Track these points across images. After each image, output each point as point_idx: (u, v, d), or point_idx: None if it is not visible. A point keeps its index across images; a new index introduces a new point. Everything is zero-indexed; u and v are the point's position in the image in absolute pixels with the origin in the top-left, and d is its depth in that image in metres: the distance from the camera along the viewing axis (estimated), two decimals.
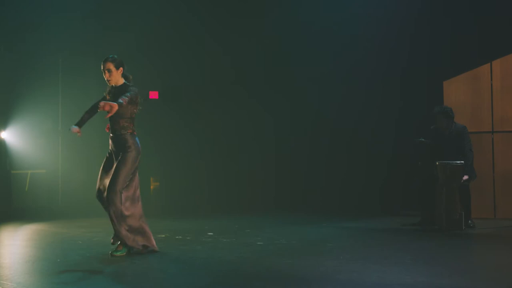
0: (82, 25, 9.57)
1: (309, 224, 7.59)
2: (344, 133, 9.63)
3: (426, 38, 9.00)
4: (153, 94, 10.09)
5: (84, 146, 9.91)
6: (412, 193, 7.96)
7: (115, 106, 4.95)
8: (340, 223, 7.65)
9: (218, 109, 10.26)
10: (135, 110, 5.45)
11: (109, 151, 5.53)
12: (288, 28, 9.78)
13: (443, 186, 6.80)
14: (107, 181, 5.37)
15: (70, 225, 7.61)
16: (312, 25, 9.68)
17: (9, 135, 9.52)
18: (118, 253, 5.34)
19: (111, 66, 5.41)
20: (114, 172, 5.34)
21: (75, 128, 5.49)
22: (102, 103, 4.96)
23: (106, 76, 5.44)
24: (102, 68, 5.46)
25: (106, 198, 5.30)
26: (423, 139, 7.17)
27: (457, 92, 8.04)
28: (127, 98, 5.17)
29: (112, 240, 5.49)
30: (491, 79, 7.89)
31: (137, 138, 5.48)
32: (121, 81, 5.48)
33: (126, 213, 5.32)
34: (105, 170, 5.47)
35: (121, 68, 5.45)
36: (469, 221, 6.98)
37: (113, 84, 5.48)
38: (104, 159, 5.56)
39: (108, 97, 5.48)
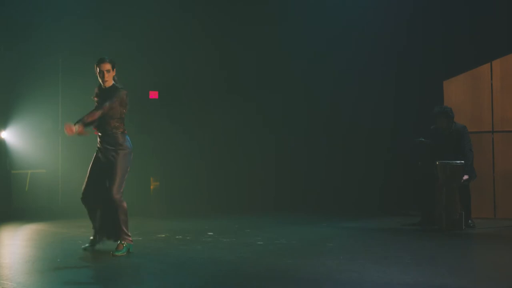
0: (82, 25, 9.55)
1: (309, 224, 7.59)
2: (344, 133, 9.62)
3: (426, 38, 8.99)
4: (153, 94, 10.08)
5: (84, 146, 9.89)
6: (412, 193, 7.95)
7: (73, 128, 5.17)
8: (340, 223, 7.65)
9: (218, 109, 10.25)
10: (124, 111, 5.54)
11: (98, 151, 5.57)
12: (288, 28, 9.77)
13: (443, 186, 6.80)
14: (98, 186, 5.45)
15: (70, 225, 7.61)
16: (312, 25, 9.68)
17: (9, 135, 9.51)
18: (119, 253, 5.34)
19: (109, 67, 5.48)
20: (112, 174, 5.38)
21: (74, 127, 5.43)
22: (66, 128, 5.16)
23: (105, 77, 5.48)
24: (99, 69, 5.48)
25: (113, 202, 5.36)
26: (423, 139, 7.17)
27: (457, 92, 8.04)
28: (112, 103, 5.35)
29: (92, 238, 5.63)
30: (491, 79, 7.89)
31: (127, 137, 5.54)
32: (111, 82, 5.53)
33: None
34: (95, 173, 5.51)
35: (115, 69, 5.53)
36: (469, 221, 6.98)
37: (105, 86, 5.52)
38: (93, 161, 5.58)
39: (96, 100, 5.55)
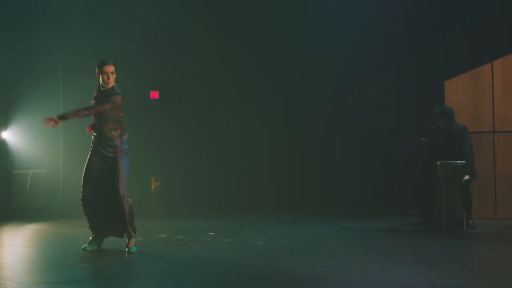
0: (82, 25, 9.55)
1: (309, 224, 7.59)
2: (343, 133, 9.61)
3: (426, 38, 8.99)
4: (154, 94, 10.09)
5: (85, 146, 9.89)
6: (412, 193, 7.95)
7: (53, 120, 5.23)
8: (340, 223, 7.65)
9: (218, 109, 10.25)
10: (121, 114, 5.55)
11: (93, 154, 5.58)
12: (288, 28, 9.77)
13: (443, 186, 6.80)
14: (98, 187, 5.48)
15: (70, 225, 7.61)
16: (311, 25, 9.67)
17: (10, 135, 9.52)
18: (135, 249, 5.42)
19: (113, 68, 5.52)
20: (116, 173, 5.40)
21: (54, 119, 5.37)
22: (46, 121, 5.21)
23: (110, 79, 5.49)
24: (103, 71, 5.48)
25: (120, 198, 5.39)
26: (423, 139, 7.16)
27: (458, 92, 8.03)
28: (100, 107, 5.44)
29: (92, 238, 5.64)
30: (492, 79, 7.88)
31: (124, 139, 5.55)
32: (113, 84, 5.57)
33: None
34: (94, 174, 5.51)
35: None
36: (470, 221, 6.98)
37: (106, 88, 5.53)
38: (88, 164, 5.58)
39: (93, 103, 5.56)
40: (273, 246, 5.83)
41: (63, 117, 5.38)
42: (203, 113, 10.35)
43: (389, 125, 9.21)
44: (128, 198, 5.49)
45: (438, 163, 6.83)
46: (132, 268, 4.96)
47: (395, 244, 5.98)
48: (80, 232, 6.96)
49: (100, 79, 5.55)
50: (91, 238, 5.68)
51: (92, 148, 5.64)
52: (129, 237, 5.47)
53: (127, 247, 5.42)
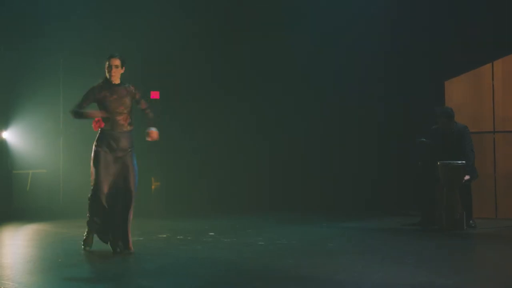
0: (82, 25, 9.56)
1: (309, 224, 7.59)
2: (343, 133, 9.61)
3: (427, 38, 8.98)
4: (154, 94, 10.09)
5: (85, 146, 9.89)
6: (412, 193, 7.95)
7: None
8: (340, 223, 7.65)
9: (219, 109, 10.25)
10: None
11: (107, 149, 5.49)
12: (289, 28, 9.77)
13: (443, 186, 6.79)
14: (109, 189, 5.40)
15: (71, 225, 7.61)
16: (311, 25, 9.67)
17: (10, 135, 9.52)
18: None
19: (118, 62, 5.51)
20: (129, 172, 5.39)
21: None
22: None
23: (113, 72, 5.51)
24: (109, 63, 5.54)
25: (129, 203, 5.40)
26: (424, 139, 7.16)
27: (458, 92, 8.03)
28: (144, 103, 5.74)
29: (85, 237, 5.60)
30: (493, 79, 7.88)
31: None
32: (119, 79, 5.57)
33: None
34: (105, 173, 5.45)
35: (124, 67, 5.57)
36: (471, 221, 6.98)
37: (115, 82, 5.52)
38: (103, 161, 5.49)
39: (113, 97, 5.50)
40: (273, 246, 5.83)
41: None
42: (203, 113, 10.35)
43: (389, 125, 9.21)
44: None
45: (438, 163, 6.83)
46: (132, 268, 4.96)
47: (395, 244, 5.98)
48: (80, 232, 6.94)
49: (107, 72, 5.57)
50: (86, 235, 5.60)
51: (101, 144, 5.50)
52: (128, 248, 5.43)
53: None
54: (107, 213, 5.44)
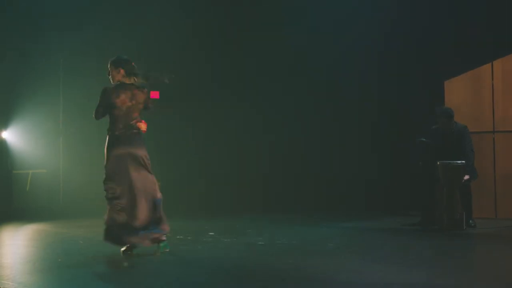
0: (82, 25, 9.56)
1: (309, 224, 7.59)
2: (344, 133, 9.62)
3: (427, 38, 8.99)
4: (154, 94, 10.08)
5: (85, 146, 9.91)
6: (412, 193, 7.96)
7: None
8: (340, 223, 7.65)
9: (220, 109, 10.25)
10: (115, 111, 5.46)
11: (121, 154, 5.33)
12: (289, 28, 9.78)
13: (443, 186, 6.80)
14: (127, 189, 5.30)
15: (71, 225, 7.62)
16: (312, 25, 9.67)
17: (10, 135, 9.53)
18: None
19: (110, 66, 5.52)
20: (147, 177, 5.40)
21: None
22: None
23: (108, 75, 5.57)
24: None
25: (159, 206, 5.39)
26: (423, 139, 7.16)
27: (458, 92, 8.03)
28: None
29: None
30: (492, 79, 7.88)
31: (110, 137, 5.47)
32: (125, 80, 5.54)
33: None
34: (122, 174, 5.32)
35: (119, 69, 5.50)
36: (470, 221, 6.98)
37: (117, 81, 5.53)
38: (116, 160, 5.34)
39: (119, 99, 5.46)
40: (273, 246, 5.83)
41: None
42: (203, 113, 10.36)
43: (389, 125, 9.21)
44: None
45: (438, 163, 6.84)
46: (132, 268, 4.96)
47: (395, 244, 5.99)
48: (81, 232, 6.97)
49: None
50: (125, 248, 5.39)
51: (117, 144, 5.34)
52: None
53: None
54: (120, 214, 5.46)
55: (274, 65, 10.00)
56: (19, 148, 9.60)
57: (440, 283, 4.20)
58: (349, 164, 9.52)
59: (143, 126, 5.43)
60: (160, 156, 10.12)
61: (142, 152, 5.42)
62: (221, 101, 10.24)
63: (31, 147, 9.70)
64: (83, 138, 9.97)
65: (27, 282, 4.36)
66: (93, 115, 5.44)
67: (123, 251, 5.32)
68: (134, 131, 5.39)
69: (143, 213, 5.27)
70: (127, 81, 5.52)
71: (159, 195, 5.45)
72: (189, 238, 6.41)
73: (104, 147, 5.37)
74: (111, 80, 5.53)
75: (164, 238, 5.36)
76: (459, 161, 6.82)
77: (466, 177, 6.90)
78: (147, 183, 5.39)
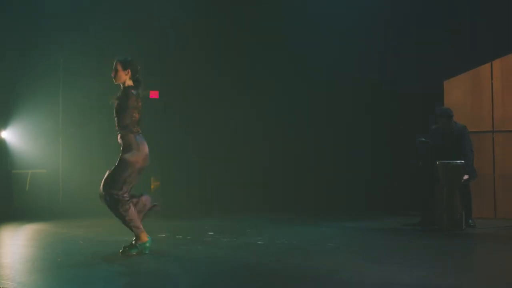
0: (82, 25, 9.56)
1: (309, 224, 7.59)
2: (344, 134, 9.62)
3: (426, 37, 8.99)
4: (154, 94, 10.09)
5: (85, 145, 9.91)
6: (412, 193, 7.96)
7: None
8: (340, 223, 7.65)
9: (220, 108, 10.26)
10: (134, 115, 5.38)
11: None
12: (289, 28, 9.78)
13: (443, 186, 6.80)
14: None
15: (70, 225, 7.62)
16: (312, 25, 9.68)
17: (10, 135, 9.52)
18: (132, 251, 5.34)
19: (118, 66, 5.45)
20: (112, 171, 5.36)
21: None
22: None
23: (113, 75, 5.48)
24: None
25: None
26: (423, 139, 7.17)
27: (457, 92, 8.04)
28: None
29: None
30: (492, 79, 7.88)
31: (137, 138, 5.43)
32: (129, 82, 5.47)
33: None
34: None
35: (128, 70, 5.46)
36: (470, 221, 6.98)
37: (120, 83, 5.50)
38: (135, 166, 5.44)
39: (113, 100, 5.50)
40: (273, 246, 5.83)
41: None
42: (203, 113, 10.36)
43: (389, 125, 9.21)
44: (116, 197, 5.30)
45: (438, 163, 6.84)
46: (132, 268, 4.96)
47: (395, 244, 5.99)
48: (80, 232, 6.97)
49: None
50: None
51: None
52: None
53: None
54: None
55: (274, 65, 10.00)
56: (19, 148, 9.60)
57: (440, 283, 4.20)
58: (349, 164, 9.52)
59: None
60: (160, 156, 10.14)
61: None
62: (221, 101, 10.24)
63: (31, 147, 9.70)
64: (83, 138, 9.97)
65: (27, 282, 4.36)
66: (126, 122, 5.35)
67: (122, 251, 5.33)
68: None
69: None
70: (130, 83, 5.47)
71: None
72: (189, 238, 6.41)
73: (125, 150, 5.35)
74: (114, 80, 5.48)
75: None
76: (458, 161, 6.83)
77: (466, 177, 6.91)
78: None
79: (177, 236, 6.49)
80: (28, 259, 5.34)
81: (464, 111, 7.80)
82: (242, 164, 10.14)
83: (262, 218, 8.22)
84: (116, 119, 5.38)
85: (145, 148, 5.42)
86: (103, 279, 4.56)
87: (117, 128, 5.38)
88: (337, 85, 9.63)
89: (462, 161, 6.85)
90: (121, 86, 5.48)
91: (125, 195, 5.31)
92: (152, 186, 10.22)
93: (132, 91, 5.37)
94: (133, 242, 5.36)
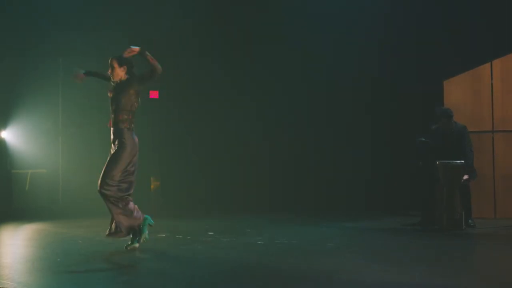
0: (82, 25, 9.56)
1: (309, 224, 7.59)
2: (344, 134, 9.62)
3: (426, 37, 8.99)
4: (153, 94, 10.08)
5: (85, 145, 9.91)
6: (412, 193, 7.96)
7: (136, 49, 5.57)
8: (340, 223, 7.65)
9: (220, 109, 10.25)
10: (136, 104, 5.53)
11: (112, 145, 5.56)
12: (290, 28, 9.78)
13: (443, 186, 6.80)
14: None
15: (70, 224, 7.62)
16: (312, 25, 9.67)
17: (10, 135, 9.52)
18: (131, 245, 5.43)
19: (114, 63, 5.55)
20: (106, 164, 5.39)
21: (80, 74, 5.71)
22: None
23: (109, 71, 5.58)
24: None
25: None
26: (423, 139, 7.17)
27: (457, 92, 8.04)
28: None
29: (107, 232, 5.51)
30: (491, 79, 7.88)
31: (134, 134, 5.50)
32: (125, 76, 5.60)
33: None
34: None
35: (124, 66, 5.53)
36: (470, 221, 6.98)
37: (117, 80, 5.56)
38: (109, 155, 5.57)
39: (111, 95, 5.57)
40: (273, 246, 5.83)
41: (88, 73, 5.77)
42: (203, 113, 10.36)
43: (389, 125, 9.21)
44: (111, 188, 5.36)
45: (437, 163, 6.84)
46: (132, 268, 4.96)
47: (395, 244, 5.99)
48: (80, 231, 6.96)
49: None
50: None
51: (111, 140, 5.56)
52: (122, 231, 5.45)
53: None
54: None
55: (274, 65, 9.99)
56: (19, 148, 9.60)
57: (440, 283, 4.20)
58: (349, 164, 9.52)
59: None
60: (160, 156, 10.14)
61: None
62: (221, 101, 10.24)
63: (31, 146, 9.70)
64: (83, 138, 9.97)
65: (26, 281, 4.36)
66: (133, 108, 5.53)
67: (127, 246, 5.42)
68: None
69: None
70: (125, 78, 5.56)
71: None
72: (189, 238, 6.41)
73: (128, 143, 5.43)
74: (111, 77, 5.58)
75: None
76: (458, 161, 6.83)
77: (465, 177, 6.91)
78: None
79: (177, 236, 6.49)
80: (28, 259, 5.34)
81: (464, 111, 7.80)
82: (242, 164, 10.14)
83: (262, 218, 8.22)
84: (120, 104, 5.45)
85: (136, 139, 5.55)
86: (103, 279, 4.56)
87: (117, 116, 5.42)
88: (337, 85, 9.62)
89: (462, 161, 6.85)
90: (118, 82, 5.56)
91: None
92: (152, 186, 10.22)
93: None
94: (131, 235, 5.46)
